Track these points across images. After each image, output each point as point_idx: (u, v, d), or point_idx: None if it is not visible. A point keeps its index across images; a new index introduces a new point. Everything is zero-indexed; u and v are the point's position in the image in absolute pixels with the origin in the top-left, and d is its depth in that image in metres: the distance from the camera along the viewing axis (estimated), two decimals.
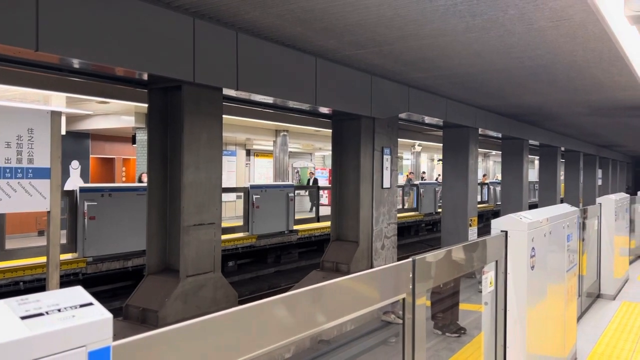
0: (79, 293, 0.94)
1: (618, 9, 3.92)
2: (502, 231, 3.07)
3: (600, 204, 6.65)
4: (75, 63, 4.15)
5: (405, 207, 16.98)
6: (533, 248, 3.14)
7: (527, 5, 4.19)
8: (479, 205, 13.25)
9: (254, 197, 10.40)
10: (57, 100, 11.04)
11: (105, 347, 0.89)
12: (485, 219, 17.93)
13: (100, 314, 0.90)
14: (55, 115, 4.14)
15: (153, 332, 1.02)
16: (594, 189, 20.92)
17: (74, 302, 0.91)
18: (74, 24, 3.69)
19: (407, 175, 22.81)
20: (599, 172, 22.30)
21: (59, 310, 0.88)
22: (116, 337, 0.97)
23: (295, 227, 11.49)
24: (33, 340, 0.80)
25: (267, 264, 11.55)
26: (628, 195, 8.04)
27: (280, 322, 1.46)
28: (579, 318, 5.53)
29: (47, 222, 4.14)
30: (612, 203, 6.64)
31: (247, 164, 20.38)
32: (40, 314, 0.86)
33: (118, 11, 3.96)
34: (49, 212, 4.09)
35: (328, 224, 8.44)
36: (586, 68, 6.41)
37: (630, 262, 8.55)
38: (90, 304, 0.92)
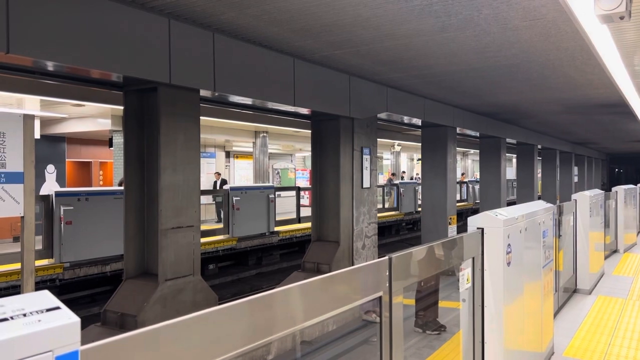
0: (46, 297, 0.93)
1: (589, 8, 3.99)
2: (478, 228, 3.10)
3: (576, 200, 6.76)
4: (49, 65, 4.08)
5: (386, 206, 17.07)
6: (509, 245, 3.18)
7: (501, 5, 4.25)
8: (458, 204, 13.37)
9: (234, 199, 10.34)
10: (30, 104, 10.85)
11: (72, 352, 0.88)
12: (464, 217, 18.06)
13: (68, 317, 0.89)
14: (28, 118, 4.07)
15: (122, 336, 1.01)
16: (571, 185, 21.30)
17: (40, 306, 0.89)
18: (46, 25, 3.62)
19: (389, 176, 22.94)
20: (575, 169, 22.71)
21: (25, 315, 0.86)
22: (94, 342, 0.95)
23: (277, 229, 11.46)
24: None
25: (248, 266, 11.49)
26: (602, 191, 8.19)
27: (257, 322, 1.45)
28: (556, 313, 5.61)
29: (21, 228, 4.06)
30: (586, 199, 6.75)
31: (226, 165, 20.27)
32: (5, 319, 0.84)
33: (92, 12, 3.90)
34: (22, 217, 4.02)
35: (309, 224, 8.44)
36: (560, 67, 6.52)
37: (606, 257, 8.71)
38: (57, 307, 0.91)
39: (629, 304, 6.21)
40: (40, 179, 13.01)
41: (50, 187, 12.33)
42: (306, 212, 12.89)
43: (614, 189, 10.44)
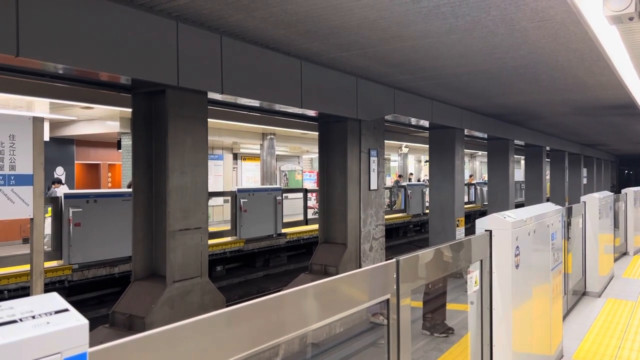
0: (54, 299, 0.93)
1: (598, 9, 3.97)
2: (486, 230, 3.09)
3: (585, 202, 6.71)
4: (58, 68, 4.11)
5: (394, 208, 17.04)
6: (517, 247, 3.16)
7: (509, 6, 4.23)
8: (466, 206, 13.33)
9: (242, 200, 10.36)
10: (40, 106, 10.93)
11: (81, 354, 0.88)
12: (472, 219, 18.01)
13: (76, 320, 0.89)
14: (38, 121, 4.09)
15: (130, 338, 1.01)
16: (580, 187, 21.14)
17: (48, 308, 0.90)
18: (55, 28, 3.65)
19: (396, 177, 22.91)
20: (584, 171, 22.54)
21: (33, 317, 0.86)
22: (102, 344, 0.96)
23: (284, 230, 11.47)
24: (6, 349, 0.79)
25: (256, 268, 11.51)
26: (612, 193, 8.13)
27: (265, 324, 1.45)
28: (565, 316, 5.58)
29: (30, 229, 4.09)
30: (596, 201, 6.70)
31: (234, 167, 20.32)
32: (14, 321, 0.84)
33: (101, 16, 3.93)
34: (32, 219, 4.04)
35: (316, 226, 8.44)
36: (569, 68, 6.48)
37: (615, 260, 8.64)
38: (66, 310, 0.91)
39: (639, 307, 6.16)
40: (49, 182, 13.09)
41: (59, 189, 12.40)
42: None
43: (623, 190, 10.35)
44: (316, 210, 12.11)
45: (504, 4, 4.17)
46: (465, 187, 19.45)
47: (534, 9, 4.29)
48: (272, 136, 17.87)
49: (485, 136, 12.44)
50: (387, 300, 1.91)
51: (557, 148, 17.92)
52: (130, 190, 5.77)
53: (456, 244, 2.72)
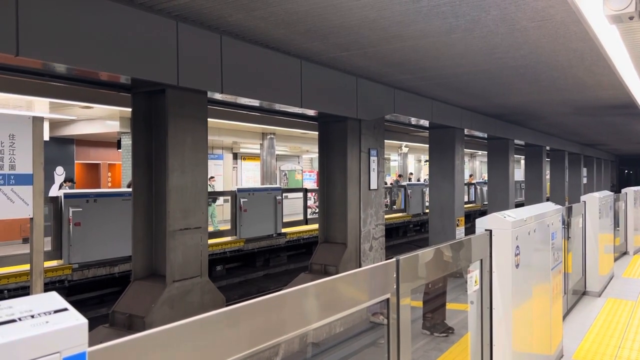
0: (54, 298, 0.93)
1: (598, 8, 3.97)
2: (486, 230, 3.08)
3: (585, 202, 6.71)
4: (58, 68, 4.11)
5: (394, 208, 17.04)
6: (517, 246, 3.16)
7: (509, 6, 4.23)
8: (466, 206, 13.33)
9: (242, 200, 10.36)
10: (40, 106, 10.93)
11: (80, 353, 0.88)
12: (472, 219, 18.01)
13: (75, 319, 0.89)
14: (37, 120, 4.09)
15: (130, 337, 1.01)
16: (579, 187, 21.15)
17: (48, 307, 0.90)
18: (55, 28, 3.65)
19: (396, 177, 22.91)
20: (584, 171, 22.54)
21: (33, 317, 0.86)
22: (102, 344, 0.95)
23: (284, 230, 11.47)
24: (5, 348, 0.79)
25: (256, 268, 11.51)
26: (612, 193, 8.12)
27: (265, 323, 1.45)
28: (565, 315, 5.57)
29: (30, 229, 4.08)
30: (596, 201, 6.70)
31: (234, 167, 20.32)
32: (13, 321, 0.84)
33: (101, 15, 3.93)
34: (31, 218, 4.04)
35: (316, 226, 8.44)
36: (569, 68, 6.48)
37: (615, 259, 8.63)
38: (65, 309, 0.91)
39: (639, 307, 6.15)
40: (49, 181, 13.10)
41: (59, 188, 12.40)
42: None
43: (623, 190, 10.35)
44: (316, 210, 12.13)
45: (504, 3, 4.17)
46: (465, 187, 19.45)
47: (534, 9, 4.29)
48: (272, 136, 17.87)
49: (485, 136, 12.44)
50: (387, 300, 1.91)
51: (557, 148, 17.93)
52: (130, 190, 5.77)
53: (456, 243, 2.71)
